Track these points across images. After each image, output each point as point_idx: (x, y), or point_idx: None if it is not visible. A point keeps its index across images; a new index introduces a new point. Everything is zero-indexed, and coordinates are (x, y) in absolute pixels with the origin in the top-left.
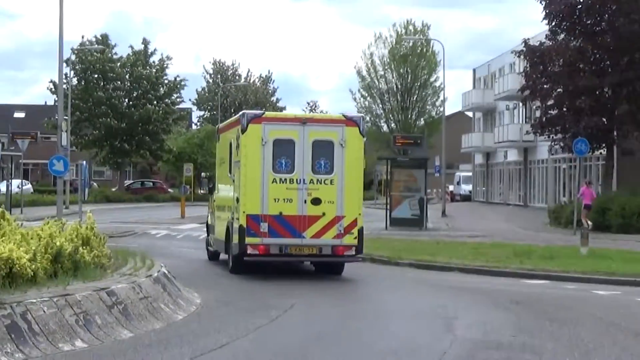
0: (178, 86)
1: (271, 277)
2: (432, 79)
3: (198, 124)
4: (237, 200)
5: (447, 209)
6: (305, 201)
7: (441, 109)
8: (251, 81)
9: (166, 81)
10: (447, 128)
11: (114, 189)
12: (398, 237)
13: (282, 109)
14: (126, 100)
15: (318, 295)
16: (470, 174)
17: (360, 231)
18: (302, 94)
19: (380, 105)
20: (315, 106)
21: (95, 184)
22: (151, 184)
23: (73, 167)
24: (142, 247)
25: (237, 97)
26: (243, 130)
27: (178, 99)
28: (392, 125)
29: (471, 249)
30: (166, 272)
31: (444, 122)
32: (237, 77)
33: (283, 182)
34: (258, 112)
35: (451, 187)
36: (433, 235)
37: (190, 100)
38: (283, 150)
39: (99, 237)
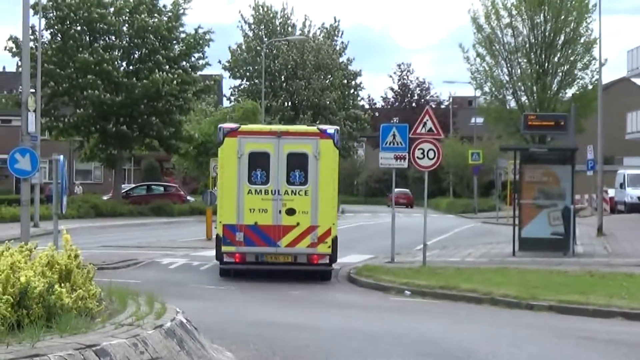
0: (201, 42)
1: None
2: (582, 30)
3: (232, 98)
4: (216, 211)
5: (605, 224)
6: (280, 211)
7: (597, 76)
8: (310, 35)
9: (183, 35)
10: (605, 103)
11: (106, 197)
12: (531, 266)
13: (355, 74)
14: (124, 64)
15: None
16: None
17: (334, 240)
18: (385, 53)
19: (506, 69)
20: (409, 70)
21: (79, 188)
22: (162, 189)
23: (45, 164)
24: (149, 283)
25: (289, 58)
26: (219, 144)
27: (201, 62)
28: (523, 98)
29: None
30: (184, 320)
31: (600, 95)
32: (289, 29)
33: (258, 193)
34: (234, 125)
35: (611, 192)
36: (584, 264)
37: (220, 63)
38: (258, 163)
39: (84, 269)
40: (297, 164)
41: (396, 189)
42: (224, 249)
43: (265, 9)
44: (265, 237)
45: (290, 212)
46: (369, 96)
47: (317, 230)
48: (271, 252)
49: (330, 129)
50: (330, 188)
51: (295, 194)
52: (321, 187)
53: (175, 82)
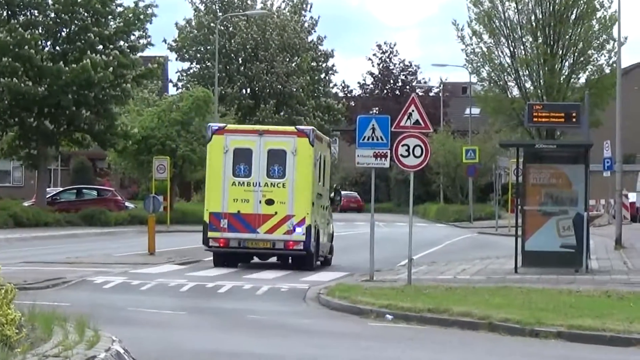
0: (142, 18)
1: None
2: (598, 5)
3: (179, 84)
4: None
5: (625, 234)
6: (260, 201)
7: (615, 57)
8: (274, 9)
9: (120, 9)
10: (625, 90)
11: (28, 203)
12: (537, 285)
13: (326, 56)
14: (49, 44)
15: None
16: None
17: (308, 229)
18: (363, 31)
19: (507, 50)
20: (392, 52)
21: None
22: (95, 193)
23: None
24: (79, 307)
25: (248, 37)
26: (208, 141)
27: (142, 42)
28: (528, 85)
29: None
30: (121, 351)
31: (619, 80)
32: (248, 2)
33: (241, 185)
34: (221, 124)
35: (632, 196)
36: (600, 283)
37: (165, 42)
38: (242, 158)
39: (1, 290)
40: (276, 159)
41: (343, 192)
42: (209, 234)
43: None
44: (246, 224)
45: (269, 202)
46: (343, 82)
47: (292, 219)
48: (252, 238)
49: (307, 128)
50: (305, 181)
51: (274, 186)
52: (297, 180)
53: (110, 66)
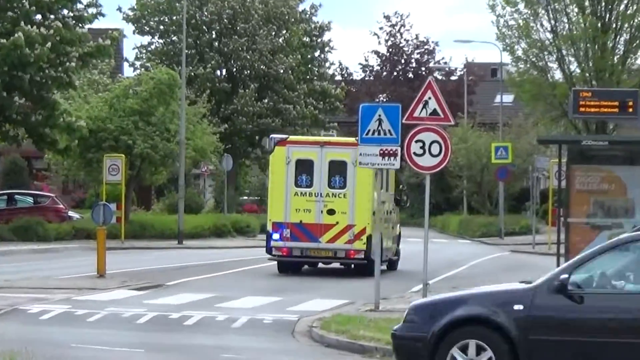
0: None
1: None
2: None
3: (137, 63)
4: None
5: None
6: (321, 211)
7: None
8: None
9: None
10: None
11: None
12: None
13: (321, 29)
14: None
15: None
16: None
17: (369, 238)
18: (370, 3)
19: (548, 24)
20: (403, 25)
21: None
22: (30, 200)
23: None
24: (10, 342)
25: (224, 5)
26: (270, 152)
27: (91, 11)
28: (573, 66)
29: None
30: None
31: None
32: None
33: (303, 195)
34: (283, 136)
35: None
36: None
37: (120, 11)
38: (304, 168)
39: None
40: (337, 170)
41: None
42: (273, 243)
43: None
44: (308, 233)
45: (331, 212)
46: (340, 64)
47: (353, 229)
48: (314, 247)
49: None
50: (365, 192)
51: (335, 197)
52: (357, 190)
53: (50, 41)
